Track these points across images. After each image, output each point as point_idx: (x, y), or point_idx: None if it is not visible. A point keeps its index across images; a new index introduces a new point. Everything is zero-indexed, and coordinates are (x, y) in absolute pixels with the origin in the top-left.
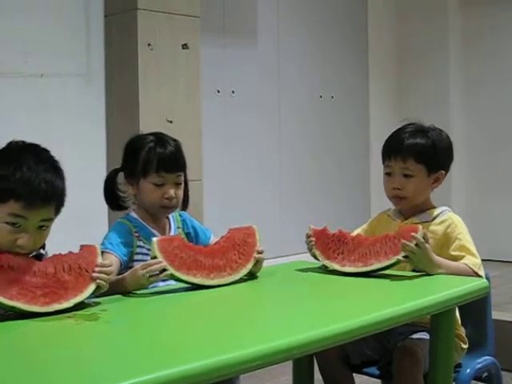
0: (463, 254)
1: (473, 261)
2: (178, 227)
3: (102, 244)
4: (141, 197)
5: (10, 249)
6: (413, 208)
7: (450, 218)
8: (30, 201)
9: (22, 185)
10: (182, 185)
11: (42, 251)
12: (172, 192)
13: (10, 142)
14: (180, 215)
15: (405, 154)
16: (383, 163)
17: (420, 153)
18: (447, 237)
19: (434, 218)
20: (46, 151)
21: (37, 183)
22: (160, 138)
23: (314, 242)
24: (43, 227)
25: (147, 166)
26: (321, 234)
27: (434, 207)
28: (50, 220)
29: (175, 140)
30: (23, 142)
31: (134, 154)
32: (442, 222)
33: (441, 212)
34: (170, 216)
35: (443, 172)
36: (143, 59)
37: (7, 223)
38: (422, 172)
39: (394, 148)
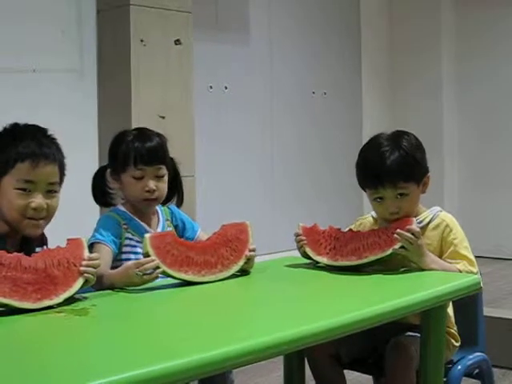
0: (458, 260)
1: (467, 268)
2: (167, 219)
3: (93, 236)
4: (125, 191)
5: (23, 216)
6: None
7: (443, 220)
8: (35, 159)
9: (26, 147)
10: (165, 178)
11: (45, 247)
12: (152, 184)
13: (4, 127)
14: (168, 208)
15: (393, 178)
16: (363, 189)
17: (407, 171)
18: (443, 242)
19: (428, 223)
20: (45, 129)
21: (38, 145)
22: (141, 133)
23: (304, 241)
24: (52, 192)
25: (126, 159)
26: (311, 231)
27: (424, 210)
28: (57, 184)
29: (159, 135)
30: (16, 123)
31: (116, 149)
32: (437, 226)
33: (433, 215)
34: (158, 209)
35: (428, 174)
36: (136, 55)
37: (17, 189)
38: (413, 187)
39: (378, 176)
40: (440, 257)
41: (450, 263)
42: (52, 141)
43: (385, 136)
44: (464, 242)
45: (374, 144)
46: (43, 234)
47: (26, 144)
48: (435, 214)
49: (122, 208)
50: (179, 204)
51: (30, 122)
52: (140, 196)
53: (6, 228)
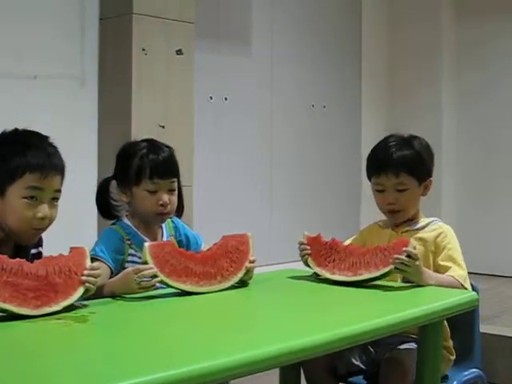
0: (450, 264)
1: (459, 273)
2: (171, 235)
3: (93, 250)
4: (135, 205)
5: (29, 226)
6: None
7: (440, 227)
8: (45, 170)
9: (35, 157)
10: (176, 191)
11: (40, 249)
12: (166, 198)
13: (3, 132)
14: (172, 221)
15: (396, 168)
16: (369, 179)
17: (411, 165)
18: (437, 245)
19: (425, 227)
20: (46, 136)
21: (46, 155)
22: (153, 145)
23: (308, 250)
24: (55, 199)
25: (140, 172)
26: (314, 240)
27: (423, 218)
28: (60, 192)
29: (168, 146)
30: (16, 129)
31: (127, 162)
32: (433, 230)
33: (431, 221)
34: (162, 224)
35: (431, 179)
36: (137, 64)
37: (25, 198)
38: (414, 184)
39: (384, 163)
40: (429, 258)
41: (443, 266)
42: (56, 149)
43: (397, 136)
44: (457, 248)
45: (386, 140)
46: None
47: (35, 154)
48: (433, 221)
49: (126, 221)
50: (179, 215)
51: (30, 128)
52: (153, 210)
53: (1, 234)
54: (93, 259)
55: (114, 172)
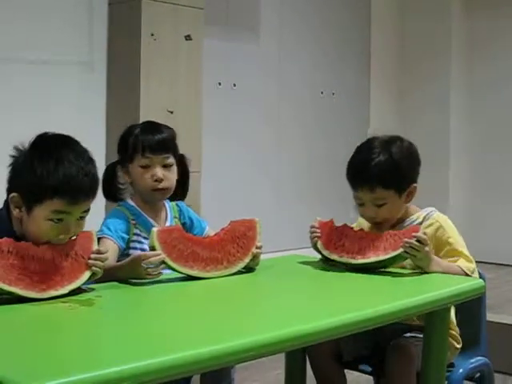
0: (456, 258)
1: (466, 264)
2: (175, 217)
3: (101, 230)
4: (134, 184)
5: (49, 241)
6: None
7: (436, 220)
8: (75, 197)
9: (67, 182)
10: (174, 168)
11: None
12: (159, 173)
13: (41, 135)
14: (177, 205)
15: (371, 183)
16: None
17: (387, 178)
18: (437, 241)
19: (421, 223)
20: (78, 143)
21: (80, 178)
22: (150, 125)
23: (318, 234)
24: (83, 217)
25: (134, 149)
26: (325, 225)
27: (417, 211)
28: (88, 210)
29: (168, 127)
30: (54, 135)
31: (124, 142)
32: (430, 225)
33: (426, 214)
34: (166, 205)
35: (415, 185)
36: (146, 49)
37: (51, 220)
38: (392, 196)
39: (359, 178)
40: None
41: (448, 261)
42: (91, 168)
43: (379, 139)
44: (459, 240)
45: (365, 146)
46: None
47: (67, 175)
48: (428, 214)
49: (130, 202)
50: (181, 198)
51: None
52: (148, 186)
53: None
54: (101, 239)
55: (118, 155)
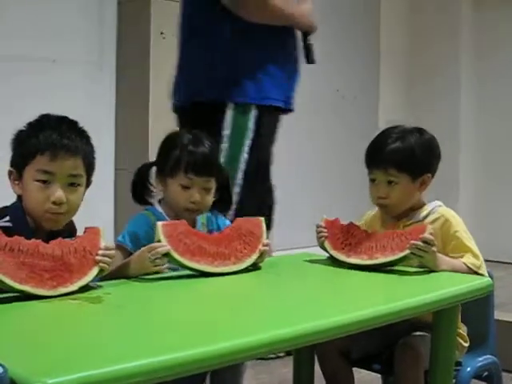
0: (462, 253)
1: (472, 261)
2: (202, 223)
3: (122, 236)
4: (168, 196)
5: (43, 209)
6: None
7: (442, 215)
8: (54, 152)
9: (47, 139)
10: (212, 191)
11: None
12: (198, 197)
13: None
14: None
15: (386, 163)
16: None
17: (401, 161)
18: (444, 235)
19: (425, 217)
20: (76, 122)
21: (60, 137)
22: (196, 138)
23: (325, 233)
24: (74, 184)
25: (177, 165)
26: (332, 224)
27: (424, 205)
28: (79, 176)
29: (211, 142)
30: (46, 114)
31: (167, 152)
32: (435, 220)
33: (431, 209)
34: None
35: (429, 175)
36: (155, 47)
37: (37, 181)
38: (405, 179)
39: (375, 158)
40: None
41: (454, 257)
42: (79, 133)
43: (401, 127)
44: (466, 234)
45: (386, 130)
46: (72, 226)
47: (47, 135)
48: (434, 208)
49: (159, 208)
50: (223, 210)
51: (49, 112)
52: (183, 205)
53: (33, 224)
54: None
55: (156, 159)
